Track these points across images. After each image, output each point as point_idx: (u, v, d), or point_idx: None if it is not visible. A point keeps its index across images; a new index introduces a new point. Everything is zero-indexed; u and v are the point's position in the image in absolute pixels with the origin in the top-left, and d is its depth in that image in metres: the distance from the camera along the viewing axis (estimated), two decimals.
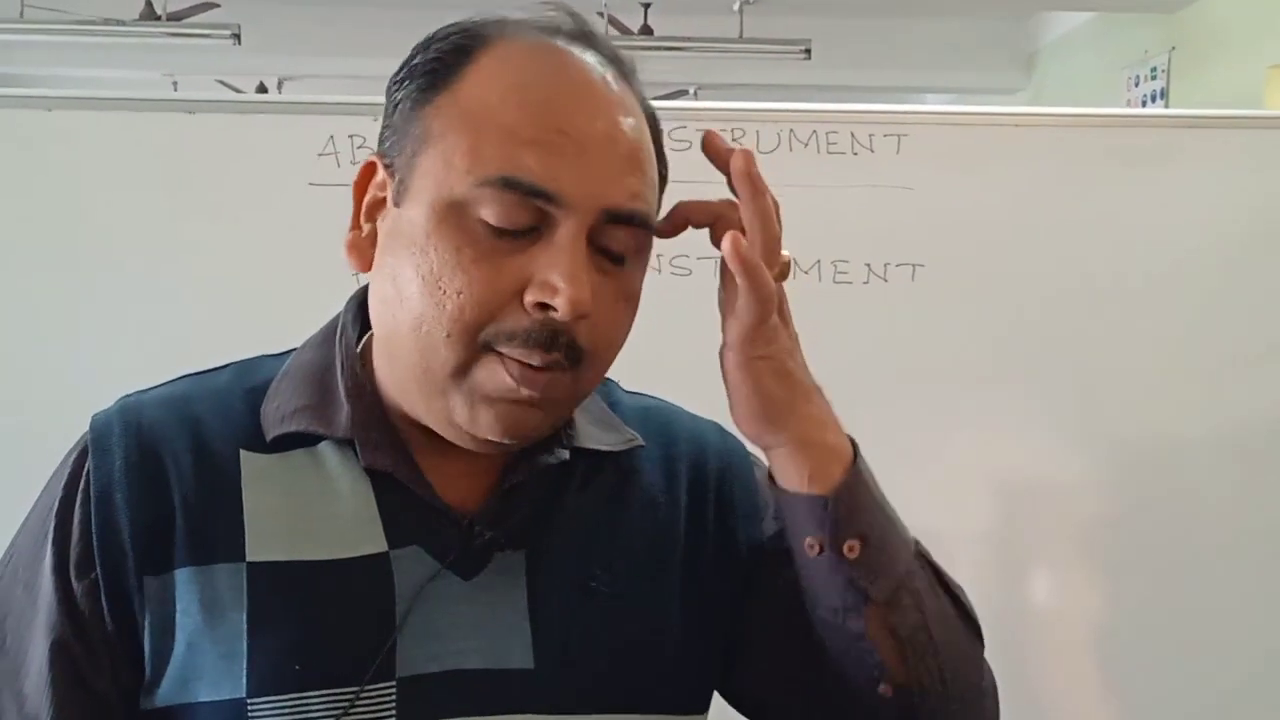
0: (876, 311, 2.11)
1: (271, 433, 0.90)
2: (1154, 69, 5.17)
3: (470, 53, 0.86)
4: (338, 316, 0.97)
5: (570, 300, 0.81)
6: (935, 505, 2.15)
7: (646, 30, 5.41)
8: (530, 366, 0.83)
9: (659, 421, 1.03)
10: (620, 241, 0.85)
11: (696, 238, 2.12)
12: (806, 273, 2.10)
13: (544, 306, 0.82)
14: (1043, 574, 2.20)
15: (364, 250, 0.90)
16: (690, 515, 0.99)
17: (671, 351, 1.99)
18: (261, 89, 6.92)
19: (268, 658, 0.84)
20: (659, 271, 2.09)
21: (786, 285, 2.26)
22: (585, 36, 0.89)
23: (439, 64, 0.87)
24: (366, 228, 0.90)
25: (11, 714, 0.86)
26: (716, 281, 0.90)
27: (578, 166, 0.82)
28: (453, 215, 0.83)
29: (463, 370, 0.84)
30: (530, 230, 0.83)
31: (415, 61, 0.89)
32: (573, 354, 0.84)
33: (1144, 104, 5.22)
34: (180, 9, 5.28)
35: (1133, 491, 2.17)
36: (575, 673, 0.89)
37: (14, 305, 2.03)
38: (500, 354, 0.83)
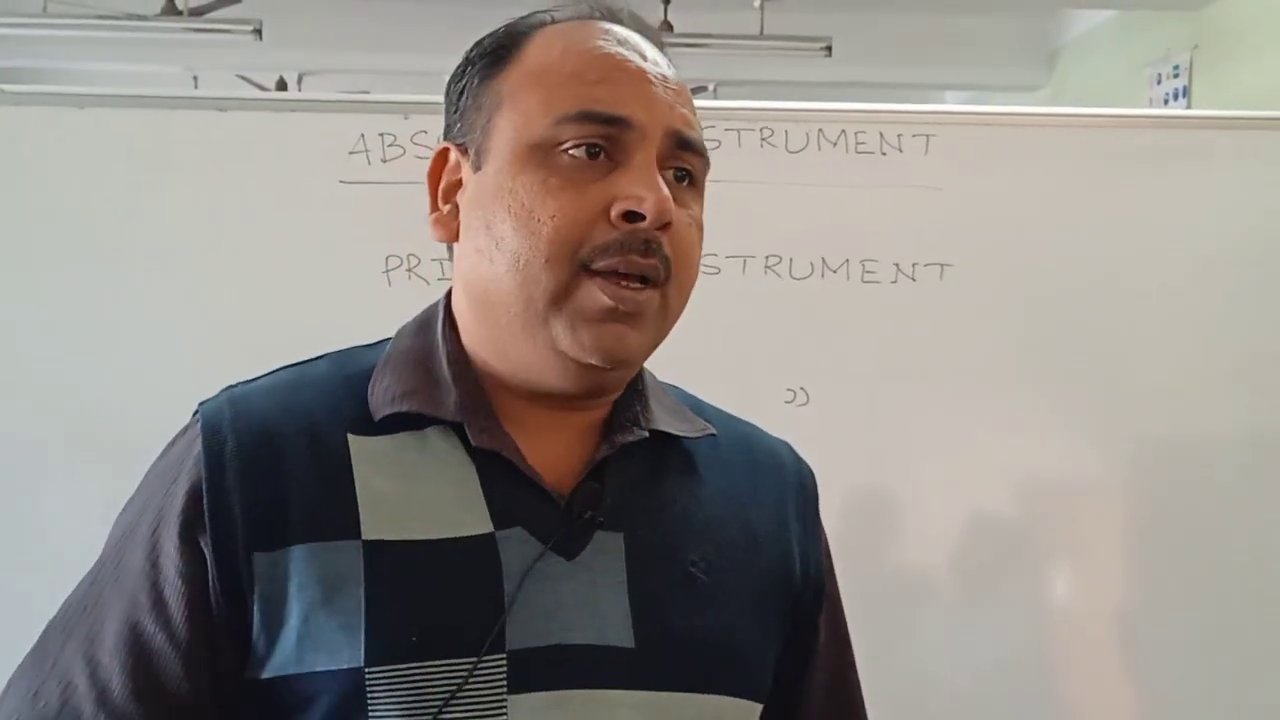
0: (905, 311, 2.11)
1: (381, 413, 0.95)
2: (1176, 67, 5.15)
3: (524, 35, 0.97)
4: (432, 308, 1.03)
5: (655, 203, 0.89)
6: (961, 504, 2.16)
7: (666, 26, 5.39)
8: (622, 287, 0.90)
9: (741, 431, 1.10)
10: (688, 164, 0.95)
11: (724, 237, 2.14)
12: (835, 272, 2.11)
13: (630, 217, 0.90)
14: (1069, 574, 2.20)
15: (447, 223, 0.99)
16: (774, 521, 1.05)
17: (701, 348, 2.01)
18: (281, 84, 6.92)
19: (385, 630, 0.88)
20: None
21: (816, 283, 2.27)
22: (615, 16, 0.99)
23: (497, 48, 0.98)
24: (446, 207, 0.99)
25: (83, 681, 0.90)
26: (745, 280, 0.92)
27: (642, 96, 0.93)
28: (536, 155, 0.92)
29: (562, 294, 0.91)
30: (606, 159, 0.91)
31: (472, 55, 0.99)
32: (666, 266, 0.92)
33: (1165, 102, 5.20)
34: (201, 4, 5.29)
35: (1160, 491, 2.17)
36: (673, 654, 0.94)
37: (47, 303, 2.04)
38: (596, 274, 0.90)
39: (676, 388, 1.10)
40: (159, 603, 0.90)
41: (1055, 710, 2.17)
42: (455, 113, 0.99)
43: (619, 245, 0.89)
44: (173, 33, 5.25)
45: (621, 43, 0.95)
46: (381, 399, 0.95)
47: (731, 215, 2.09)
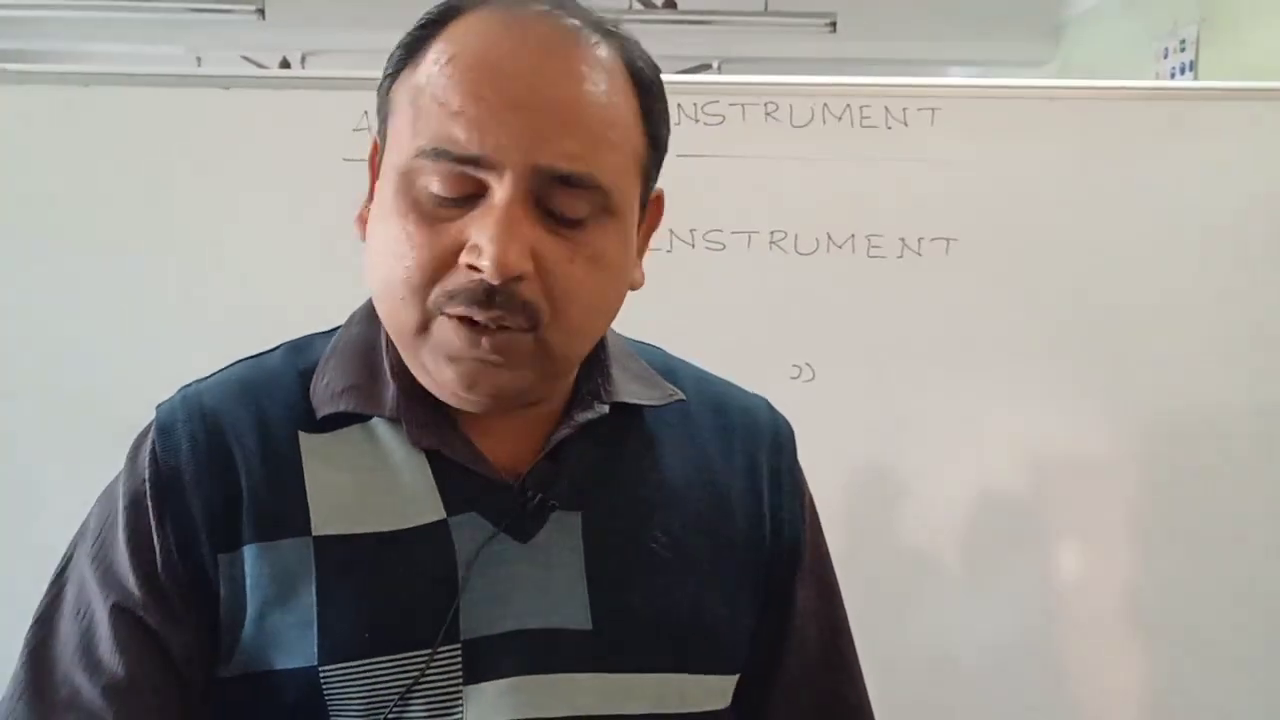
0: (911, 286, 2.11)
1: (322, 411, 0.93)
2: (1183, 41, 5.12)
3: (442, 25, 0.89)
4: None
5: (493, 259, 0.82)
6: (968, 479, 2.16)
7: (670, 4, 5.38)
8: (476, 325, 0.84)
9: (713, 391, 1.07)
10: (568, 203, 0.86)
11: (729, 212, 2.13)
12: (840, 247, 2.11)
13: (475, 267, 0.84)
14: (1076, 551, 2.20)
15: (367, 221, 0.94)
16: (745, 484, 1.02)
17: (705, 323, 2.01)
18: (284, 64, 6.91)
19: (338, 627, 0.88)
20: (692, 246, 2.10)
21: (822, 259, 2.27)
22: (561, 2, 0.90)
23: (412, 40, 0.90)
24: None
25: (86, 684, 0.89)
26: (750, 255, 0.90)
27: (502, 128, 0.83)
28: (404, 184, 0.86)
29: (423, 329, 0.87)
30: (471, 197, 0.85)
31: (403, 40, 0.91)
32: (527, 312, 0.85)
33: (1172, 76, 5.17)
34: None
35: (1167, 466, 2.17)
36: (632, 634, 0.93)
37: (52, 281, 2.04)
38: (449, 315, 0.85)
39: (651, 347, 1.07)
40: (151, 604, 0.89)
41: (1062, 687, 2.17)
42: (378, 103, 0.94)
43: (464, 296, 0.84)
44: (176, 13, 5.24)
45: (509, 55, 0.85)
46: (323, 396, 0.94)
47: (736, 190, 2.10)
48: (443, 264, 0.85)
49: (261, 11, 5.07)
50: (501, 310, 0.84)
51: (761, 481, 1.03)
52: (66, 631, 0.91)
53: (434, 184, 0.85)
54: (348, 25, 6.09)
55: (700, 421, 1.03)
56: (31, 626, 0.94)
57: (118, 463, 0.98)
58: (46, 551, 0.99)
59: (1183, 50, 5.13)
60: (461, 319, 0.85)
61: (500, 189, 0.83)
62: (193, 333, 2.00)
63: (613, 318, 0.95)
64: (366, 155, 0.95)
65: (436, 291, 0.85)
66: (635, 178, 0.91)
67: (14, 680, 0.92)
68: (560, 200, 0.85)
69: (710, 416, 1.04)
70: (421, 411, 0.92)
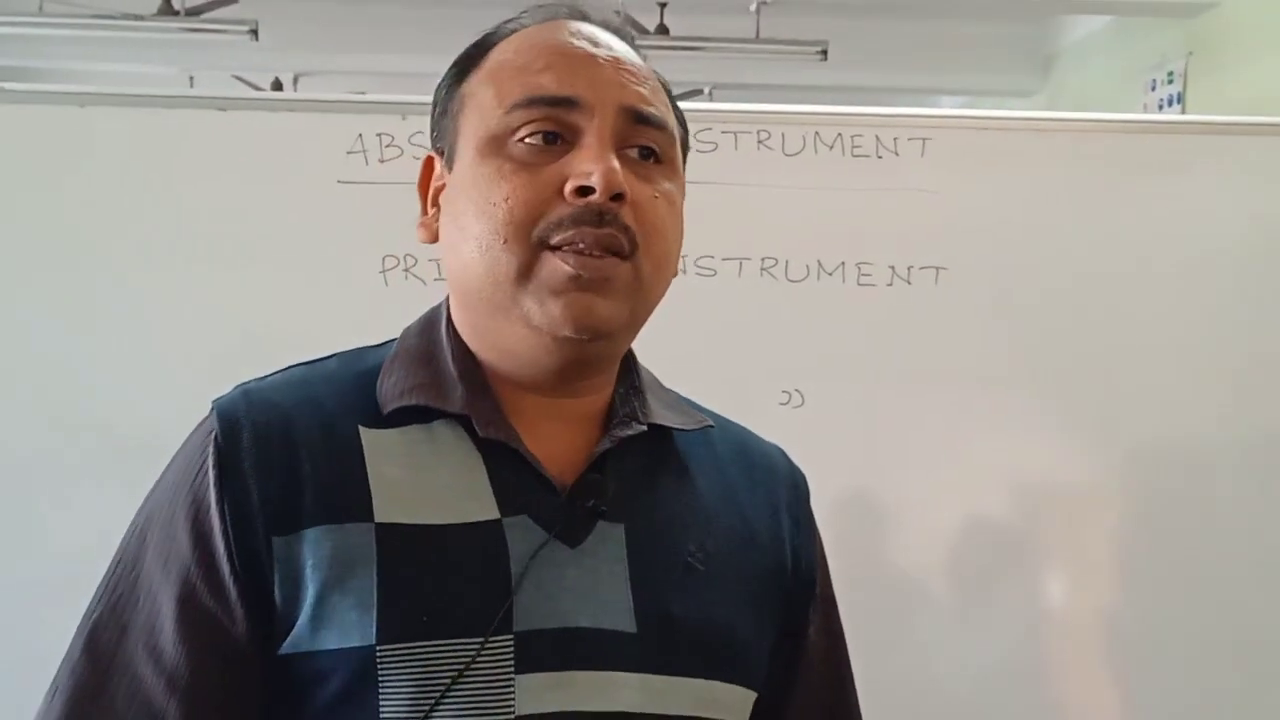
0: (900, 314, 2.12)
1: (390, 406, 0.98)
2: (1170, 73, 5.16)
3: (491, 43, 1.02)
4: (435, 309, 1.06)
5: (603, 175, 0.92)
6: (955, 507, 2.17)
7: (663, 30, 5.40)
8: (584, 254, 0.92)
9: (734, 433, 1.14)
10: (647, 140, 0.97)
11: (721, 239, 2.14)
12: (831, 275, 2.12)
13: (582, 192, 0.92)
14: (1063, 577, 2.21)
15: (429, 225, 1.04)
16: (768, 521, 1.08)
17: (697, 349, 2.02)
18: (277, 85, 6.91)
19: (397, 609, 0.91)
20: (684, 272, 2.11)
21: (812, 285, 2.27)
22: (582, 15, 1.03)
23: (466, 57, 1.03)
24: (433, 211, 1.03)
25: (149, 671, 0.92)
26: (741, 282, 0.93)
27: (589, 75, 0.96)
28: (492, 146, 0.96)
29: (526, 272, 0.94)
30: (561, 143, 0.95)
31: (457, 59, 1.04)
32: (629, 235, 0.94)
33: (1160, 108, 5.21)
34: (197, 4, 5.28)
35: (1152, 495, 2.18)
36: (672, 640, 0.97)
37: (45, 302, 2.04)
38: (556, 249, 0.93)
39: (674, 392, 1.12)
40: (215, 586, 0.92)
41: (1050, 714, 2.17)
42: (434, 121, 1.04)
43: (572, 219, 0.92)
44: (169, 33, 5.24)
45: (575, 34, 0.99)
46: (390, 393, 0.99)
47: (728, 217, 2.11)
48: (544, 201, 0.93)
49: (255, 33, 5.09)
50: (610, 228, 0.92)
51: (782, 517, 1.09)
52: (128, 619, 0.94)
53: (525, 134, 0.95)
54: (340, 47, 6.12)
55: (726, 455, 1.09)
56: (88, 613, 0.96)
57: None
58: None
59: (1170, 83, 5.17)
60: (569, 247, 0.92)
61: (592, 127, 0.94)
62: (188, 352, 2.00)
63: (672, 277, 1.01)
64: (417, 179, 1.06)
65: (541, 225, 0.93)
66: (679, 144, 1.02)
67: (69, 666, 0.94)
68: (638, 141, 0.97)
69: (734, 452, 1.10)
70: (488, 408, 0.98)
